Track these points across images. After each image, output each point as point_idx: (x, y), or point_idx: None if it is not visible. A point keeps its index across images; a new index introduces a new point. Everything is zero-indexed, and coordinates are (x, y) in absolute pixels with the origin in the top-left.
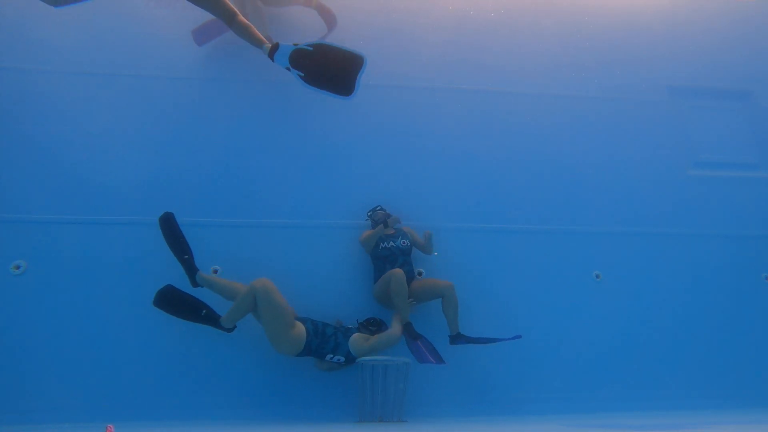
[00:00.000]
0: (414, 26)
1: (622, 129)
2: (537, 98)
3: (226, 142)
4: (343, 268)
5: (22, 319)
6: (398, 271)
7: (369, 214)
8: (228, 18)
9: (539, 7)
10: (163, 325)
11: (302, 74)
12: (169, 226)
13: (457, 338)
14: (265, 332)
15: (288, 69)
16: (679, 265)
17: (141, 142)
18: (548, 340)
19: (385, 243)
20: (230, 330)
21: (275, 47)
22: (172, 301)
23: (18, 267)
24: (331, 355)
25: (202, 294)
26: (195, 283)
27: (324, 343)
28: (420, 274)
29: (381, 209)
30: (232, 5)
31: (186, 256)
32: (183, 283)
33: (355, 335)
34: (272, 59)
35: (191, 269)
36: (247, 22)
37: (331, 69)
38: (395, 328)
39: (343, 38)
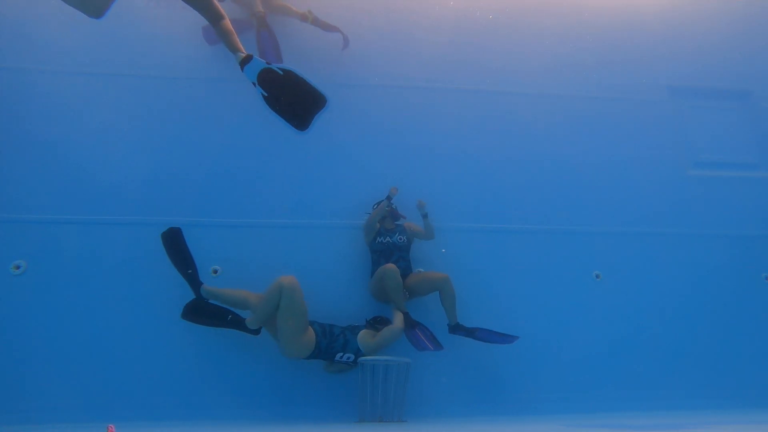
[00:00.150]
0: (414, 26)
1: (622, 129)
2: (537, 98)
3: (226, 142)
4: (343, 268)
5: (22, 319)
6: (390, 266)
7: (375, 206)
8: (214, 19)
9: (539, 7)
10: (163, 325)
11: (265, 94)
12: (176, 242)
13: (456, 328)
14: (278, 332)
15: (254, 84)
16: (679, 265)
17: (141, 142)
18: (548, 340)
19: (382, 237)
20: (257, 332)
21: (248, 58)
22: (199, 312)
23: (18, 267)
24: (341, 354)
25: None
26: (200, 297)
27: (333, 342)
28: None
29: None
30: (221, 9)
31: (190, 271)
32: (186, 289)
33: (363, 332)
34: (242, 69)
35: (195, 283)
36: (231, 28)
37: (291, 99)
38: (397, 321)
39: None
